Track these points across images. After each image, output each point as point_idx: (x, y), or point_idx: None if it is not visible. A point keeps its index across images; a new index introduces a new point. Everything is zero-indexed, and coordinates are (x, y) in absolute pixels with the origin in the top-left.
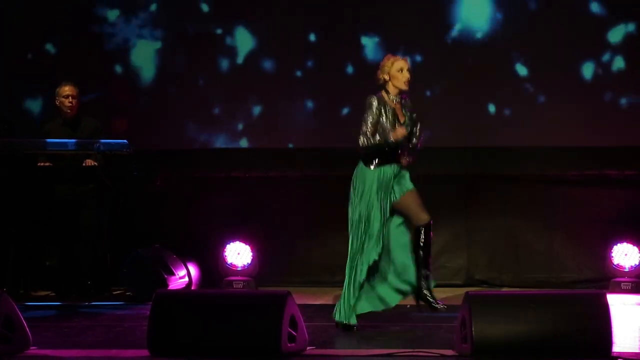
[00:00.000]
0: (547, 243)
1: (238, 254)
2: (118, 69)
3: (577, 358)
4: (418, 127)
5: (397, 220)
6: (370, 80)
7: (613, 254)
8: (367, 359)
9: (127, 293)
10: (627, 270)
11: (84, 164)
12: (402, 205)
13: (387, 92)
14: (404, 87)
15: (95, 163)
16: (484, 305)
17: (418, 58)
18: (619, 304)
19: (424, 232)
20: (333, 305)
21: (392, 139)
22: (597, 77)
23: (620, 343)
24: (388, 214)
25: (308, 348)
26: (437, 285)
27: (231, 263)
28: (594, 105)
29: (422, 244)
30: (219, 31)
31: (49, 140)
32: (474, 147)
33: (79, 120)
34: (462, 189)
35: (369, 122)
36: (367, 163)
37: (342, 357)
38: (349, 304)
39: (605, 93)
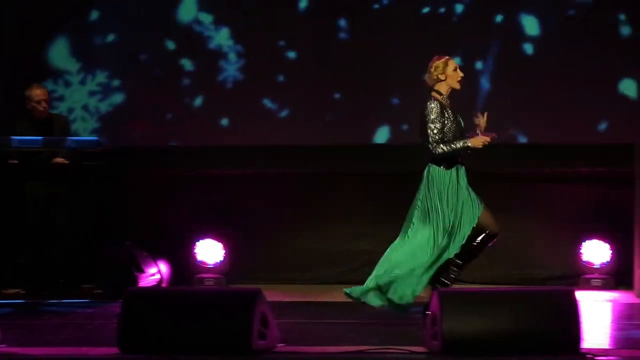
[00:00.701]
0: (518, 240)
1: (209, 251)
2: None
3: (546, 354)
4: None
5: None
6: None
7: (583, 251)
8: (337, 355)
9: (98, 291)
10: (597, 267)
11: (54, 162)
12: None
13: (440, 93)
14: (458, 86)
15: (66, 160)
16: (454, 302)
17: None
18: (588, 301)
19: (487, 238)
20: (304, 302)
21: (471, 145)
22: (571, 76)
23: (590, 339)
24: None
25: (279, 345)
26: None
27: (202, 260)
28: (564, 103)
29: (475, 245)
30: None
31: (17, 137)
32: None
33: (51, 119)
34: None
35: (436, 129)
36: (439, 164)
37: (313, 354)
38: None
39: (575, 90)
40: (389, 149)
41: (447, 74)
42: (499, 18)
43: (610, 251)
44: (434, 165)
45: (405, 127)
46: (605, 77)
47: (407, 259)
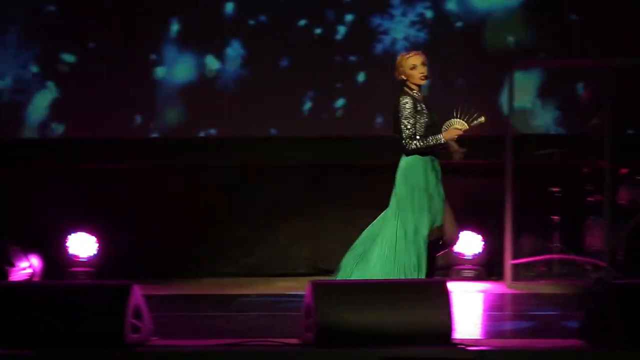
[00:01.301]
0: None
1: (82, 245)
2: None
3: (419, 345)
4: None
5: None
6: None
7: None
8: (210, 348)
9: None
10: (468, 257)
11: None
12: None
13: (411, 90)
14: (420, 82)
15: None
16: (329, 294)
17: (285, 62)
18: (460, 291)
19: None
20: (180, 295)
21: (444, 139)
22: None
23: (461, 330)
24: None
25: (152, 339)
26: (283, 274)
27: (74, 254)
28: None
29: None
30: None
31: None
32: (321, 138)
33: None
34: (310, 179)
35: (409, 124)
36: (412, 158)
37: (187, 347)
38: None
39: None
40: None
41: (406, 73)
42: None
43: (482, 242)
44: (406, 157)
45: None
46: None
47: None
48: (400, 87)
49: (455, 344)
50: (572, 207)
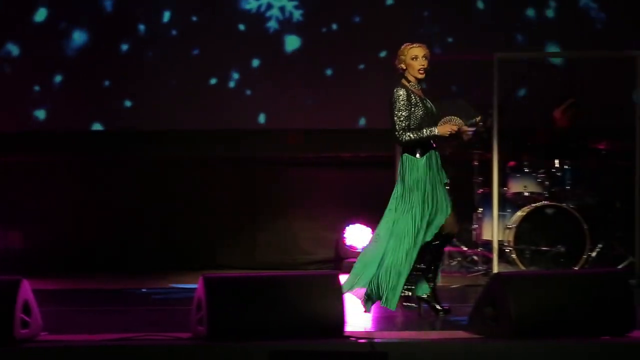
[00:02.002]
0: (282, 224)
1: None
2: None
3: (311, 338)
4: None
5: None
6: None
7: (346, 235)
8: (99, 343)
9: None
10: (359, 250)
11: None
12: None
13: (408, 81)
14: (418, 75)
15: None
16: (220, 288)
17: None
18: None
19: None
20: (72, 290)
21: (439, 132)
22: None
23: (353, 322)
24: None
25: (42, 334)
26: (180, 269)
27: None
28: (330, 91)
29: (436, 245)
30: None
31: None
32: (208, 130)
33: None
34: (202, 171)
35: (403, 116)
36: (413, 153)
37: (76, 342)
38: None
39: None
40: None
41: (407, 63)
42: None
43: (372, 235)
44: (407, 154)
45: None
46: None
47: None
48: (398, 78)
49: (347, 337)
50: (462, 199)
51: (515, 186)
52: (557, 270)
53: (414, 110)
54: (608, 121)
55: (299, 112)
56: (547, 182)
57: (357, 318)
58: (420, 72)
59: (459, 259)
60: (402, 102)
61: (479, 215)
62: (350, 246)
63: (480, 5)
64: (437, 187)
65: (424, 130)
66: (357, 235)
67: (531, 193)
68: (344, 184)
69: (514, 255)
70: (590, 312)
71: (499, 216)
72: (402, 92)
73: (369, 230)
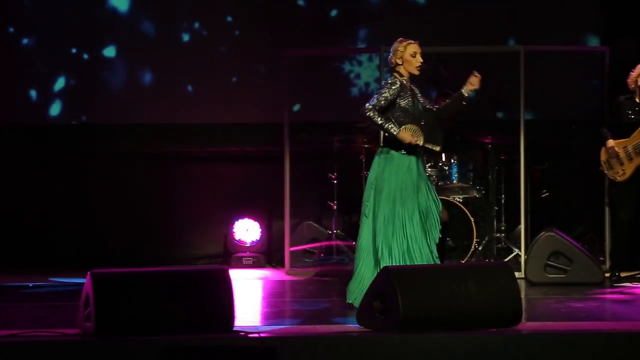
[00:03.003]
0: (171, 220)
1: None
2: None
3: (201, 333)
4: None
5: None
6: None
7: (235, 230)
8: None
9: None
10: (248, 245)
11: None
12: None
13: (401, 76)
14: (416, 72)
15: None
16: (108, 284)
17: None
18: (240, 279)
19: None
20: None
21: (399, 136)
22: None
23: (242, 317)
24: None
25: None
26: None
27: None
28: (216, 83)
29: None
30: None
31: None
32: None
33: None
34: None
35: (383, 97)
36: (396, 148)
37: None
38: None
39: (228, 71)
40: None
41: (404, 58)
42: None
43: (260, 230)
44: (386, 148)
45: None
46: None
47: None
48: (391, 71)
49: (237, 332)
50: (349, 194)
51: None
52: (445, 263)
53: (400, 101)
54: (493, 115)
55: (184, 105)
56: (434, 176)
57: (247, 313)
58: (418, 68)
59: (348, 252)
60: (392, 89)
61: None
62: (239, 241)
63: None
64: (408, 184)
65: (390, 124)
66: (245, 230)
67: None
68: (232, 178)
69: None
70: (479, 304)
71: None
72: (398, 82)
73: (256, 224)
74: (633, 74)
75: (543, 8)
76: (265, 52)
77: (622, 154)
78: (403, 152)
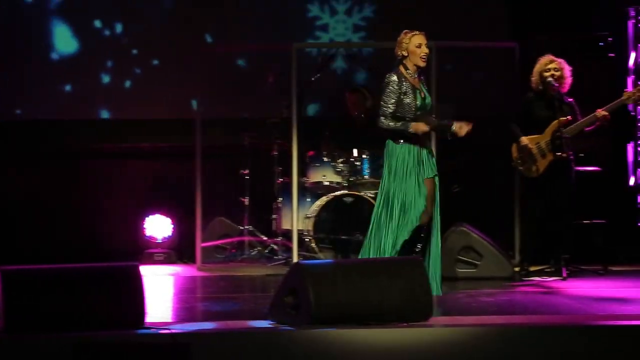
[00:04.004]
0: (83, 216)
1: None
2: None
3: (112, 329)
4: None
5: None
6: None
7: (146, 226)
8: None
9: None
10: (159, 241)
11: None
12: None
13: (406, 68)
14: (421, 63)
15: None
16: (18, 281)
17: None
18: (152, 275)
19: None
20: None
21: (412, 129)
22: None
23: (153, 313)
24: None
25: None
26: None
27: None
28: (128, 79)
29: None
30: None
31: None
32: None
33: None
34: None
35: (390, 102)
36: (395, 139)
37: None
38: None
39: (140, 67)
40: None
41: (410, 49)
42: None
43: (172, 226)
44: (390, 139)
45: None
46: None
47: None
48: (397, 65)
49: (148, 328)
50: (261, 189)
51: (315, 176)
52: (356, 258)
53: (403, 98)
54: None
55: (95, 102)
56: (345, 171)
57: (158, 309)
58: (423, 59)
59: (259, 248)
60: (391, 88)
61: (279, 205)
62: (150, 237)
63: None
64: (411, 176)
65: (401, 122)
66: (156, 226)
67: (330, 182)
68: (144, 175)
69: (313, 244)
70: (390, 299)
71: (299, 205)
72: (394, 77)
73: (168, 220)
74: (535, 72)
75: (456, 4)
76: (178, 48)
77: (535, 151)
78: (401, 141)
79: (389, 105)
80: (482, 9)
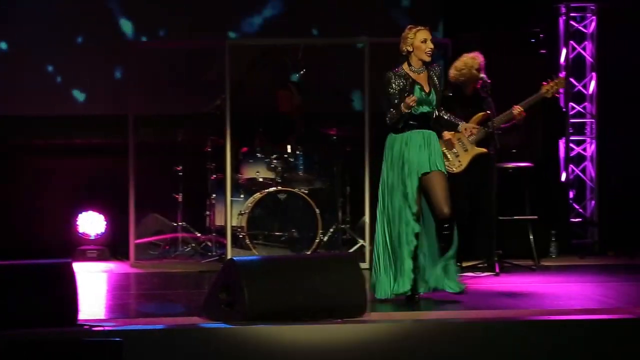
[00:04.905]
0: (15, 213)
1: None
2: None
3: (45, 327)
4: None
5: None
6: None
7: (79, 223)
8: None
9: None
10: (92, 238)
11: None
12: (427, 185)
13: (409, 65)
14: (426, 58)
15: None
16: None
17: None
18: (85, 272)
19: (446, 228)
20: None
21: (403, 109)
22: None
23: (86, 310)
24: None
25: None
26: None
27: None
28: (61, 75)
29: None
30: None
31: None
32: None
33: None
34: None
35: (392, 101)
36: (394, 130)
37: None
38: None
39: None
40: None
41: (415, 45)
42: None
43: (105, 222)
44: (390, 132)
45: None
46: None
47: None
48: (402, 60)
49: (81, 325)
50: (194, 186)
51: (248, 172)
52: (291, 254)
53: (400, 95)
54: (338, 107)
55: (27, 97)
56: (279, 168)
57: (92, 306)
58: (428, 53)
59: (193, 244)
60: (387, 87)
61: (213, 201)
62: (83, 233)
63: None
64: (405, 170)
65: (394, 111)
66: (89, 223)
67: (264, 179)
68: (76, 171)
69: (247, 241)
70: (324, 295)
71: (232, 202)
72: (388, 75)
73: (101, 217)
74: (465, 67)
75: (391, 1)
76: (112, 43)
77: (457, 146)
78: (392, 134)
79: (392, 104)
80: (417, 6)
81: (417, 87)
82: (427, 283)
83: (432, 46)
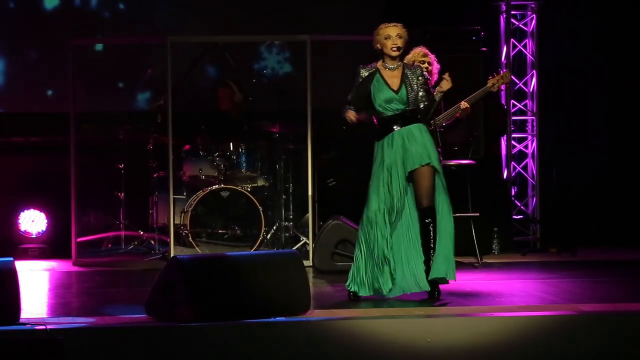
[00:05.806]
0: None
1: None
2: None
3: None
4: (424, 95)
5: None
6: None
7: (20, 221)
8: None
9: None
10: (34, 236)
11: None
12: (413, 180)
13: (383, 61)
14: (392, 53)
15: None
16: None
17: None
18: (26, 270)
19: (425, 218)
20: None
21: (345, 116)
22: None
23: (28, 309)
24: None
25: None
26: None
27: None
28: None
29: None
30: None
31: None
32: None
33: None
34: None
35: (353, 91)
36: (377, 137)
37: None
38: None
39: (13, 58)
40: None
41: (381, 42)
42: None
43: (47, 220)
44: (374, 140)
45: None
46: None
47: None
48: (378, 58)
49: (23, 324)
50: (137, 184)
51: (191, 170)
52: (234, 252)
53: (370, 88)
54: (280, 105)
55: None
56: (222, 165)
57: (34, 305)
58: (394, 49)
59: (136, 242)
60: (357, 79)
61: (155, 199)
62: (25, 232)
63: None
64: (391, 169)
65: (345, 111)
66: (31, 221)
67: (207, 176)
68: (17, 169)
69: (190, 239)
70: (268, 293)
71: (175, 200)
72: (359, 68)
73: (42, 215)
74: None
75: None
76: (53, 41)
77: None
78: (375, 141)
79: (350, 95)
80: (357, 3)
81: (386, 86)
82: (404, 283)
83: (397, 42)
